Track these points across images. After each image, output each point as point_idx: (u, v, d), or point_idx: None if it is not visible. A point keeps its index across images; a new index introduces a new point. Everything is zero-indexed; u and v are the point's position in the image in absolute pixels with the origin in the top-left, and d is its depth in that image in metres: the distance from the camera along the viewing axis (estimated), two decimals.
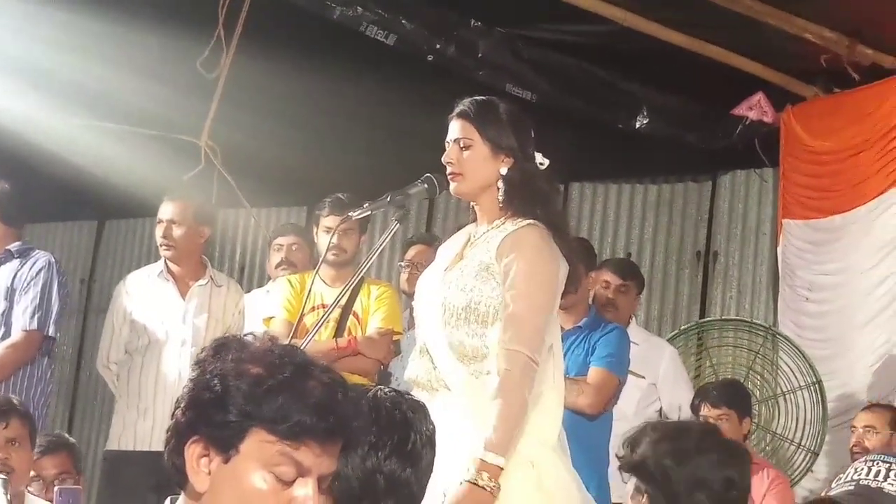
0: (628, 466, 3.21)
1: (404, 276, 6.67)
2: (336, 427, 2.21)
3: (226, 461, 2.19)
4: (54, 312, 6.03)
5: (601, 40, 7.14)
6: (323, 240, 5.99)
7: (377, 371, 6.00)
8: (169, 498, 2.31)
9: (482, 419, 3.75)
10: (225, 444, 2.19)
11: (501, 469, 3.68)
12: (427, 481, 2.81)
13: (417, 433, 2.78)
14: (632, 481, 3.22)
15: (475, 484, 3.65)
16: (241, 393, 2.18)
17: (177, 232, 6.23)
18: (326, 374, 2.25)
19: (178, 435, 2.24)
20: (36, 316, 5.97)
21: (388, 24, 6.89)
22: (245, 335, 2.31)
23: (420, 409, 2.85)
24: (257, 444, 2.18)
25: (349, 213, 4.32)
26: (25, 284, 6.02)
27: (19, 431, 4.63)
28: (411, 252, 6.72)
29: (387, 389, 2.86)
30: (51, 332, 6.02)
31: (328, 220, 5.98)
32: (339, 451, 2.25)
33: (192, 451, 2.21)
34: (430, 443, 2.82)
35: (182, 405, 2.25)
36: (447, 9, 7.15)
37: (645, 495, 3.17)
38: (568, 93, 7.39)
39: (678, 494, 3.11)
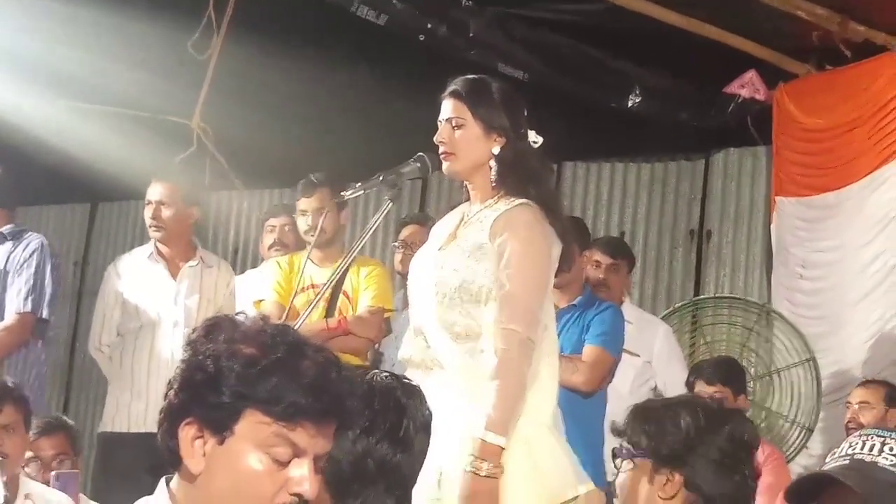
0: (656, 446, 3.17)
1: (398, 256, 6.66)
2: (331, 407, 2.20)
3: (220, 442, 2.18)
4: (48, 295, 6.02)
5: (593, 19, 7.12)
6: (300, 223, 6.03)
7: (369, 350, 6.00)
8: (164, 478, 2.30)
9: (477, 397, 3.76)
10: (219, 425, 2.17)
11: (502, 448, 3.69)
12: (420, 466, 2.81)
13: (411, 419, 2.77)
14: (644, 463, 3.19)
15: (477, 474, 3.67)
16: (234, 374, 2.16)
17: (165, 213, 6.23)
18: (320, 353, 2.24)
19: (172, 417, 2.23)
20: (30, 298, 5.97)
21: (378, 4, 6.87)
22: (237, 315, 2.29)
23: (416, 394, 2.84)
24: (252, 425, 2.16)
25: (342, 193, 4.31)
26: (18, 267, 6.01)
27: (13, 417, 4.62)
28: (405, 232, 6.71)
29: (383, 374, 2.85)
30: (45, 314, 6.02)
31: (301, 203, 6.03)
32: (333, 430, 2.24)
33: (186, 432, 2.20)
34: (425, 428, 2.81)
35: (175, 386, 2.23)
36: None
37: (675, 474, 3.14)
38: (560, 72, 7.37)
39: (714, 462, 3.12)
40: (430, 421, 2.83)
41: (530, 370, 3.82)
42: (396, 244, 6.73)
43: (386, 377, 2.83)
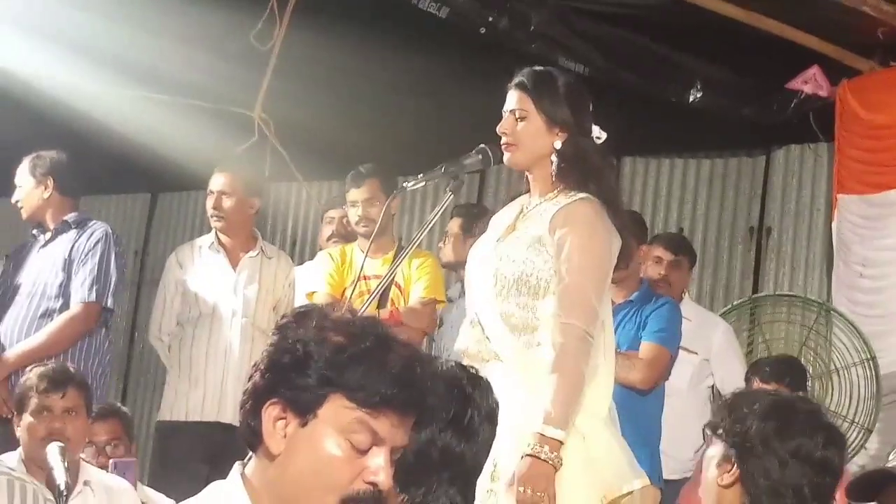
0: (728, 434, 3.16)
1: (447, 247, 6.67)
2: (414, 399, 2.24)
3: (303, 425, 2.21)
4: (112, 284, 6.06)
5: (655, 13, 7.09)
6: (351, 213, 6.06)
7: (422, 341, 6.01)
8: (237, 463, 2.33)
9: (534, 389, 3.77)
10: (304, 407, 2.21)
11: (561, 443, 3.68)
12: (484, 457, 2.81)
13: (476, 409, 2.77)
14: (719, 446, 3.19)
15: (536, 457, 3.66)
16: (323, 358, 2.20)
17: (227, 203, 6.27)
18: (406, 347, 2.27)
19: (257, 397, 2.26)
20: (94, 287, 6.00)
21: None
22: (325, 306, 2.33)
23: (482, 384, 2.84)
24: (335, 409, 2.20)
25: (403, 185, 4.32)
26: (83, 256, 6.05)
27: (76, 401, 4.67)
28: (451, 224, 6.72)
29: (449, 363, 2.86)
30: (109, 303, 6.05)
31: (351, 194, 6.06)
32: (411, 425, 2.27)
33: (270, 412, 2.23)
34: (490, 419, 2.81)
35: (261, 368, 2.27)
36: None
37: (736, 467, 3.13)
38: (621, 66, 7.34)
39: (771, 471, 3.08)
40: (495, 412, 2.83)
41: (588, 365, 3.82)
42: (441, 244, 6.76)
43: (452, 366, 2.84)
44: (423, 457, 2.68)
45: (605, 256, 3.92)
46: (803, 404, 3.28)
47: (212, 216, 6.33)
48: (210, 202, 6.31)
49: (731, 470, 3.14)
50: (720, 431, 3.18)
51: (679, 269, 6.50)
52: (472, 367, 2.92)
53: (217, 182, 6.30)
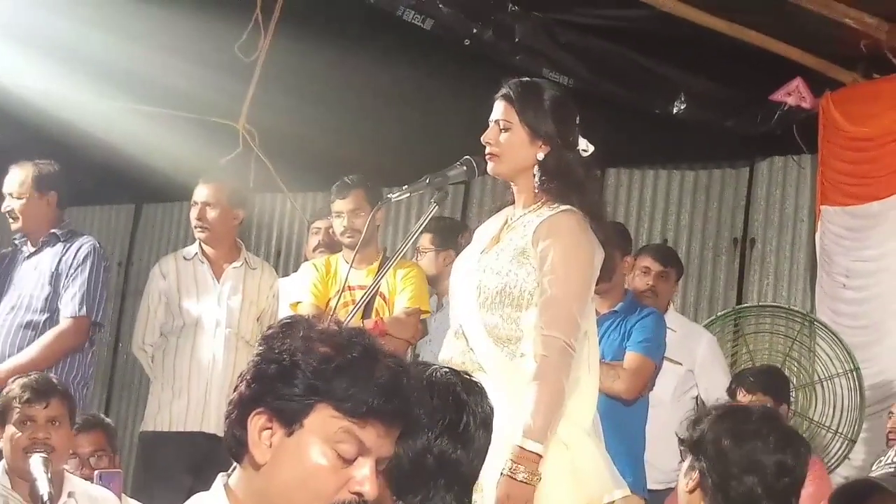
0: (687, 442, 3.22)
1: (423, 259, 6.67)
2: (400, 410, 2.24)
3: (289, 434, 2.21)
4: (102, 299, 6.06)
5: (639, 25, 7.11)
6: (336, 224, 6.07)
7: (405, 351, 6.01)
8: (221, 474, 2.33)
9: (517, 400, 3.76)
10: (290, 417, 2.21)
11: (540, 456, 3.69)
12: (480, 463, 2.81)
13: (471, 414, 2.78)
14: (688, 458, 3.24)
15: (513, 478, 3.67)
16: (310, 368, 2.20)
17: (211, 214, 6.27)
18: (392, 359, 2.28)
19: (242, 407, 2.26)
20: (84, 302, 6.00)
21: (424, 7, 6.87)
22: (312, 316, 2.34)
23: (476, 390, 2.85)
24: (322, 419, 2.20)
25: (388, 196, 4.33)
26: (73, 270, 6.05)
27: (59, 411, 4.67)
28: (423, 240, 6.73)
29: (443, 370, 2.86)
30: (99, 317, 6.05)
31: (336, 205, 6.07)
32: (397, 436, 2.28)
33: (256, 422, 2.23)
34: (485, 425, 2.82)
35: (247, 378, 2.27)
36: None
37: (697, 472, 3.17)
38: (605, 78, 7.35)
39: (731, 475, 3.11)
40: (490, 417, 2.83)
41: (571, 377, 3.82)
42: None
43: (446, 372, 2.84)
44: (418, 464, 2.69)
45: (588, 268, 3.92)
46: (759, 409, 3.35)
47: (196, 227, 6.33)
48: (194, 213, 6.31)
49: (693, 476, 3.19)
50: (684, 445, 3.23)
51: (666, 280, 6.51)
52: (466, 373, 2.92)
53: (201, 193, 6.30)
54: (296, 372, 2.20)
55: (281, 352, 2.23)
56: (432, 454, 2.71)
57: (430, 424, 2.71)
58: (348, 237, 6.01)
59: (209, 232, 6.30)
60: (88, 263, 6.06)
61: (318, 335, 2.25)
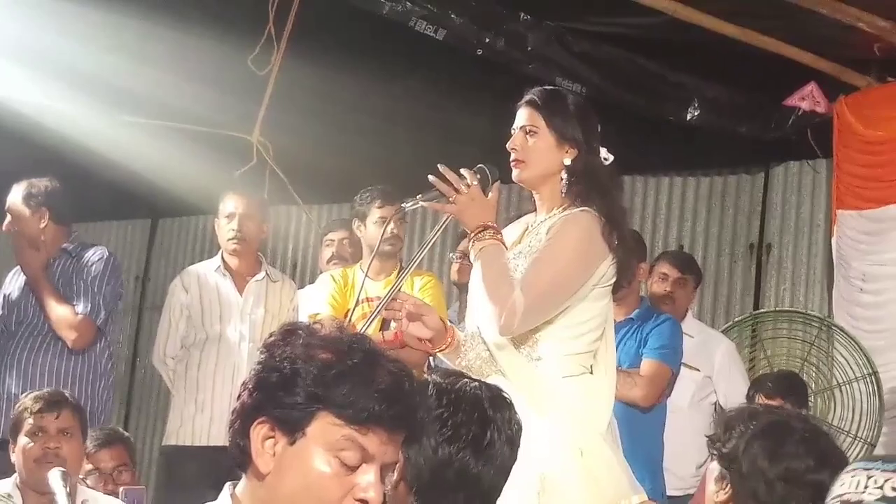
0: (720, 455, 3.17)
1: (455, 266, 6.66)
2: (403, 416, 2.23)
3: (291, 443, 2.21)
4: (105, 303, 6.01)
5: (651, 32, 7.10)
6: (374, 231, 5.99)
7: (425, 363, 6.01)
8: (228, 484, 2.33)
9: (536, 403, 3.75)
10: (292, 425, 2.20)
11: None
12: (503, 481, 2.79)
13: (496, 431, 2.77)
14: (717, 465, 3.20)
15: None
16: (310, 376, 2.20)
17: (248, 225, 6.26)
18: (394, 363, 2.27)
19: (245, 416, 2.26)
20: (86, 303, 5.97)
21: (436, 18, 6.88)
22: (313, 323, 2.33)
23: (505, 406, 2.83)
24: (324, 427, 2.19)
25: (402, 205, 4.33)
26: (76, 277, 6.03)
27: (71, 422, 4.69)
28: (464, 243, 6.71)
29: (473, 383, 2.85)
30: (99, 320, 6.00)
31: (384, 211, 5.99)
32: (401, 442, 2.26)
33: (258, 431, 2.23)
34: (511, 442, 2.80)
35: (249, 387, 2.27)
36: (496, 2, 7.14)
37: (729, 486, 3.13)
38: (618, 85, 7.35)
39: (759, 493, 3.07)
40: (517, 436, 2.81)
41: (580, 377, 3.83)
42: (454, 255, 6.73)
43: (475, 386, 2.82)
44: (438, 476, 2.68)
45: (579, 265, 3.89)
46: (800, 424, 3.23)
47: (230, 239, 6.29)
48: (232, 224, 6.27)
49: (725, 488, 3.15)
50: (715, 450, 3.19)
51: (684, 287, 6.51)
52: (498, 388, 2.91)
53: (239, 204, 6.28)
54: (296, 380, 2.20)
55: (282, 360, 2.23)
56: (453, 468, 2.71)
57: (454, 437, 2.70)
58: (390, 245, 5.97)
59: (245, 243, 6.29)
60: (94, 269, 6.02)
61: (319, 342, 2.25)
